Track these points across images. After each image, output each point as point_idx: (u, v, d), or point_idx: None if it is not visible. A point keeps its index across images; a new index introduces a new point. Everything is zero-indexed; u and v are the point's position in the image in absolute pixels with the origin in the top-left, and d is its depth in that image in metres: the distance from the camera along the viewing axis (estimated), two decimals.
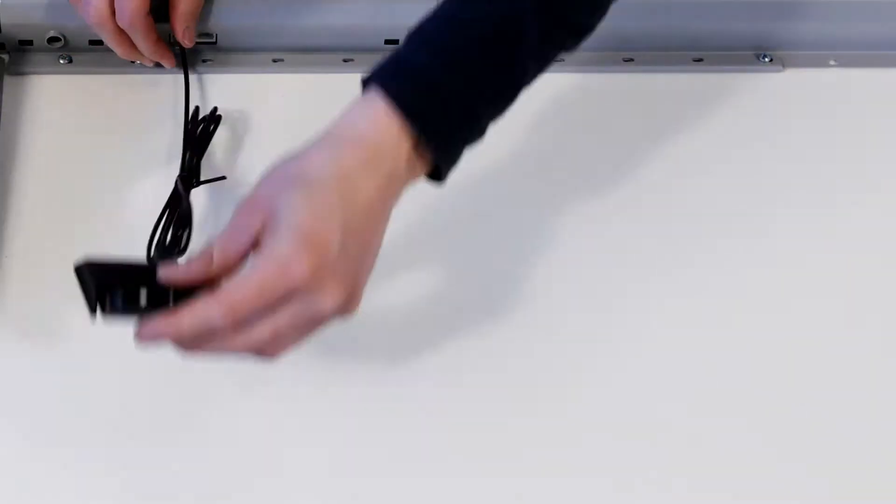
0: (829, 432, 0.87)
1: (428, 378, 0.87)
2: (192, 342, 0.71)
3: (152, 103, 0.98)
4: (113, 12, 0.92)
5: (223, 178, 0.93)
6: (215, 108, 0.96)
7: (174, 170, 0.93)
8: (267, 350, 0.72)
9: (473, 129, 0.78)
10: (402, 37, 1.01)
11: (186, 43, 0.96)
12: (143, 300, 0.72)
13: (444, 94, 0.75)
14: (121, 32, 0.94)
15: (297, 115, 0.98)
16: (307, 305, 0.71)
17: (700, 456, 0.85)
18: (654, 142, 0.99)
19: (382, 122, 0.74)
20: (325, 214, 0.71)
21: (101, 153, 0.95)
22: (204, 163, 0.94)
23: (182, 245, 0.88)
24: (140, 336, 0.72)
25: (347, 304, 0.72)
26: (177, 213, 0.89)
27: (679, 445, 0.86)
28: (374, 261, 0.75)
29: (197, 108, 0.95)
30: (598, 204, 0.96)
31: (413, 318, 0.89)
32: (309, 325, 0.72)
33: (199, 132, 0.94)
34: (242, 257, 0.73)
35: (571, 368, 0.88)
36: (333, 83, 1.00)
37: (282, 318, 0.71)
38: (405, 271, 0.91)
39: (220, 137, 0.96)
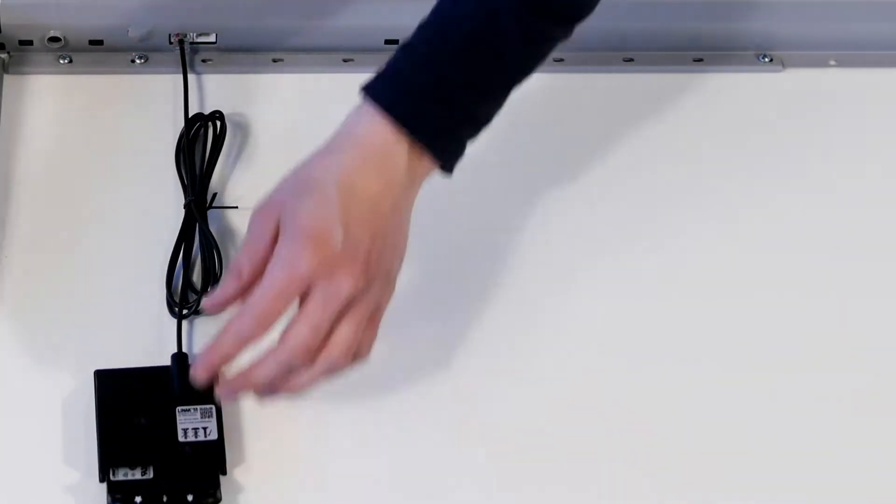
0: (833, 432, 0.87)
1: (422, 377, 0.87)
2: (247, 376, 0.77)
3: (152, 103, 0.98)
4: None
5: (235, 207, 0.92)
6: (220, 119, 0.95)
7: (173, 169, 0.93)
8: (333, 354, 0.77)
9: (467, 126, 0.82)
10: (402, 37, 1.01)
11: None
12: (137, 499, 0.79)
13: (430, 98, 0.80)
14: None
15: (297, 115, 0.98)
16: (326, 293, 0.76)
17: (698, 453, 0.86)
18: (654, 142, 0.99)
19: (377, 129, 0.79)
20: (325, 211, 0.77)
21: (101, 153, 0.95)
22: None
23: (218, 277, 0.88)
24: (197, 372, 0.77)
25: (368, 285, 0.77)
26: (197, 244, 0.89)
27: (676, 442, 0.86)
28: (393, 249, 0.80)
29: (192, 120, 0.95)
30: (597, 204, 0.96)
31: (409, 318, 0.89)
32: (344, 312, 0.77)
33: (207, 156, 0.93)
34: (266, 263, 0.78)
35: (569, 368, 0.88)
36: (333, 83, 1.01)
37: (313, 312, 0.76)
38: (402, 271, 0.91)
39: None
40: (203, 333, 0.86)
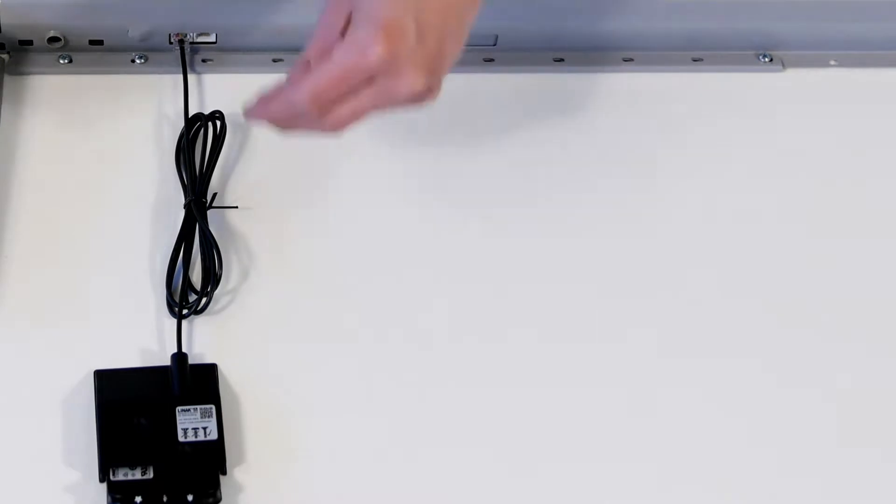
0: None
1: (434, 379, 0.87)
2: (284, 122, 0.80)
3: (152, 103, 0.98)
4: None
5: (235, 207, 0.92)
6: (220, 118, 0.95)
7: (174, 169, 0.93)
8: (341, 125, 0.78)
9: None
10: None
11: None
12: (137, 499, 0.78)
13: None
14: None
15: None
16: (386, 88, 0.76)
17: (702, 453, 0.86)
18: (653, 142, 0.99)
19: None
20: (401, 5, 0.76)
21: (101, 153, 0.95)
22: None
23: (218, 277, 0.88)
24: (246, 114, 0.81)
25: (427, 90, 0.77)
26: (197, 244, 0.89)
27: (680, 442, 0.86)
28: (456, 52, 0.79)
29: (192, 120, 0.95)
30: (597, 204, 0.96)
31: (412, 320, 0.89)
32: (387, 105, 0.78)
33: (207, 156, 0.93)
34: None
35: (570, 369, 0.88)
36: None
37: (363, 101, 0.77)
38: (403, 272, 0.91)
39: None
40: (203, 333, 0.86)
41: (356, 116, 0.78)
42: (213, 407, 0.82)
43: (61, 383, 0.84)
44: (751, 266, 0.94)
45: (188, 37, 1.00)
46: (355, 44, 0.75)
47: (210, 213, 0.91)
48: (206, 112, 0.95)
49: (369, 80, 0.76)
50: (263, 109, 0.80)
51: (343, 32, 0.78)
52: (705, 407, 0.87)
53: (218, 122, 0.94)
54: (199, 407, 0.80)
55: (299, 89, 0.77)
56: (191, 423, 0.81)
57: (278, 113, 0.79)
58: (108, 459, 0.80)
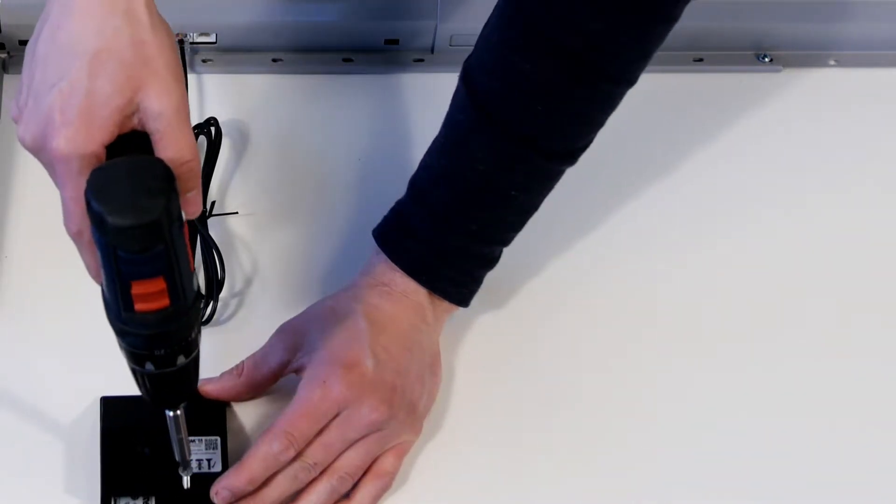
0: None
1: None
2: (260, 476, 0.78)
3: None
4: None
5: (235, 213, 0.92)
6: (214, 125, 0.95)
7: None
8: (336, 474, 0.79)
9: (481, 268, 0.85)
10: (401, 37, 1.02)
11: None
12: None
13: (443, 254, 0.83)
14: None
15: (296, 115, 0.98)
16: (349, 419, 0.79)
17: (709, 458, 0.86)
18: (654, 142, 1.00)
19: (397, 278, 0.83)
20: (356, 340, 0.81)
21: None
22: None
23: (221, 281, 0.88)
24: (218, 497, 0.78)
25: (388, 417, 0.79)
26: (200, 253, 0.89)
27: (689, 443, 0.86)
28: (420, 384, 0.82)
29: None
30: (598, 203, 0.96)
31: None
32: (352, 434, 0.79)
33: (205, 163, 0.93)
34: (270, 376, 0.82)
35: (574, 370, 0.88)
36: (333, 83, 1.01)
37: (329, 432, 0.78)
38: None
39: None
40: (211, 343, 0.85)
41: (329, 451, 0.79)
42: (219, 439, 0.81)
43: (61, 382, 0.84)
44: (749, 264, 0.94)
45: (188, 37, 0.99)
46: (317, 381, 0.79)
47: (212, 220, 0.90)
48: (204, 114, 0.95)
49: (333, 411, 0.79)
50: (239, 474, 0.78)
51: (286, 360, 0.81)
52: None
53: (213, 129, 0.94)
54: (203, 438, 0.80)
55: (269, 435, 0.78)
56: (195, 455, 0.80)
57: (258, 468, 0.78)
58: (110, 488, 0.79)
